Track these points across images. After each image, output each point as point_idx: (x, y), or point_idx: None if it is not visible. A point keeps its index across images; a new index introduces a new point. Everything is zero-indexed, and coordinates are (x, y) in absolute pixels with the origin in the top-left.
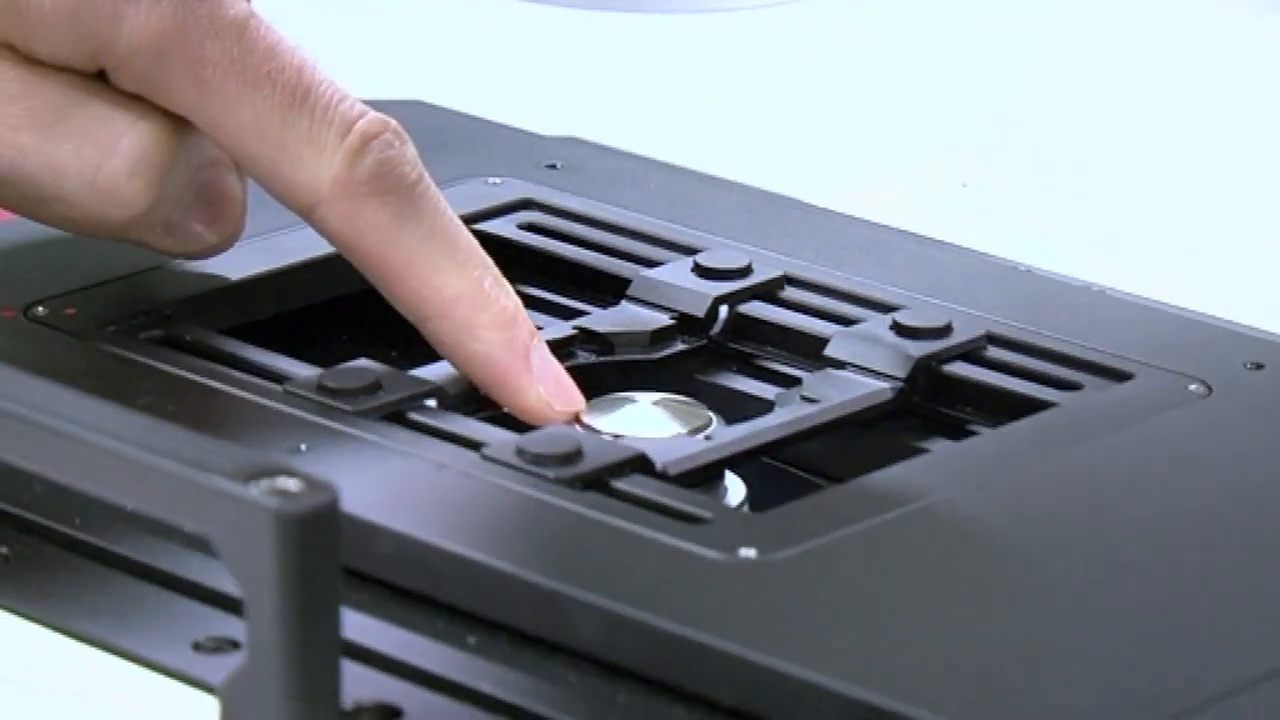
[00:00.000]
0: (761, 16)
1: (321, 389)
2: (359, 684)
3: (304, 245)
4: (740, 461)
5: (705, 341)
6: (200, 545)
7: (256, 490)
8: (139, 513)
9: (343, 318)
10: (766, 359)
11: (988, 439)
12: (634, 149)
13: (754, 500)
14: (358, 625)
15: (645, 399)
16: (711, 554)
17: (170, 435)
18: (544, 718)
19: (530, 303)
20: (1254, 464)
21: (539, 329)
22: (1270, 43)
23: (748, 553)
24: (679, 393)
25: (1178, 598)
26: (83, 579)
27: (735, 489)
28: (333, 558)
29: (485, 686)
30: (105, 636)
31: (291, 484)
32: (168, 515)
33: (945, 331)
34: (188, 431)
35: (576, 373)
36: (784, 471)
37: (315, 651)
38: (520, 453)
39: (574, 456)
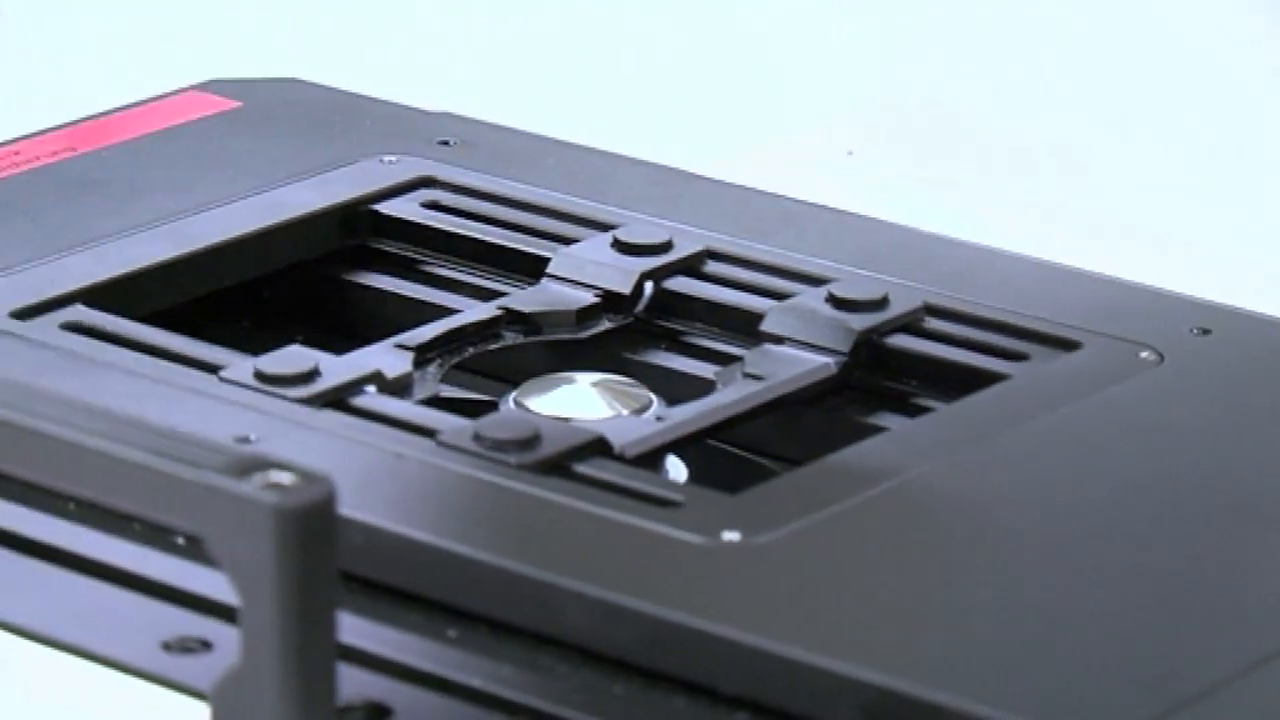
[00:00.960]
0: None
1: (259, 376)
2: (346, 682)
3: (212, 229)
4: (694, 441)
5: (631, 319)
6: (167, 545)
7: (251, 485)
8: (128, 513)
9: (251, 300)
10: (697, 336)
11: (947, 413)
12: (507, 115)
13: (696, 479)
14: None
15: (584, 379)
16: (694, 538)
17: (153, 431)
18: (539, 711)
19: (446, 284)
20: (1216, 429)
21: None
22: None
23: (731, 536)
24: (610, 371)
25: (1170, 573)
26: (47, 582)
27: (677, 469)
28: (331, 553)
29: (476, 682)
30: (75, 640)
31: (285, 477)
32: (159, 515)
33: (883, 304)
34: (169, 427)
35: (505, 354)
36: (720, 450)
37: (313, 651)
38: (478, 438)
39: (533, 441)
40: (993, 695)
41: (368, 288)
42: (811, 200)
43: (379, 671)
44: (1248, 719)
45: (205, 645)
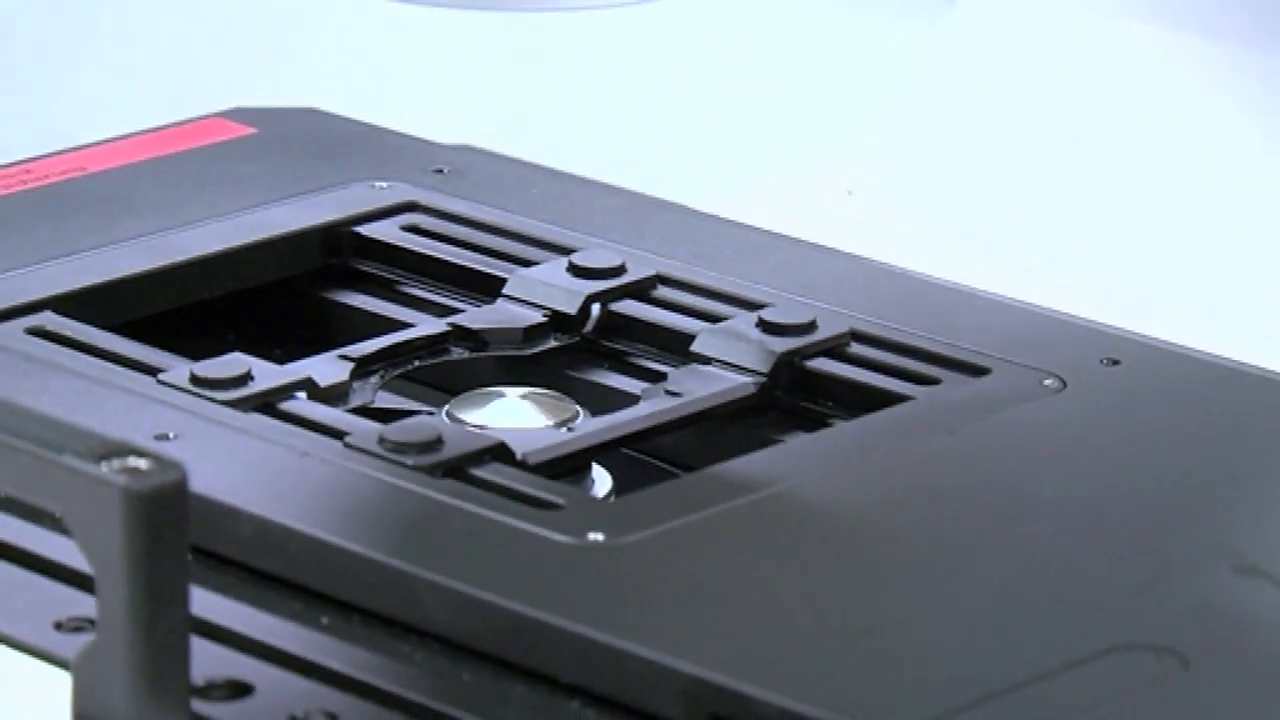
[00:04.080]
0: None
1: (194, 379)
2: (214, 662)
3: (192, 244)
4: (602, 452)
5: (578, 339)
6: (62, 525)
7: (107, 468)
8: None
9: (230, 316)
10: (637, 356)
11: (841, 430)
12: (531, 151)
13: (621, 493)
14: (216, 606)
15: (513, 393)
16: (561, 538)
17: (27, 417)
18: (388, 693)
19: (411, 302)
20: (1104, 455)
21: (412, 325)
22: (1125, 49)
23: (595, 536)
24: (550, 388)
25: (1012, 583)
26: None
27: (602, 481)
28: (181, 534)
29: (334, 664)
30: None
31: (141, 463)
32: (22, 493)
33: (809, 328)
34: (44, 414)
35: (450, 368)
36: (650, 465)
37: (163, 626)
38: (382, 441)
39: (434, 445)
40: (802, 689)
41: (345, 305)
42: (806, 238)
43: (249, 653)
44: (1045, 713)
45: (94, 624)
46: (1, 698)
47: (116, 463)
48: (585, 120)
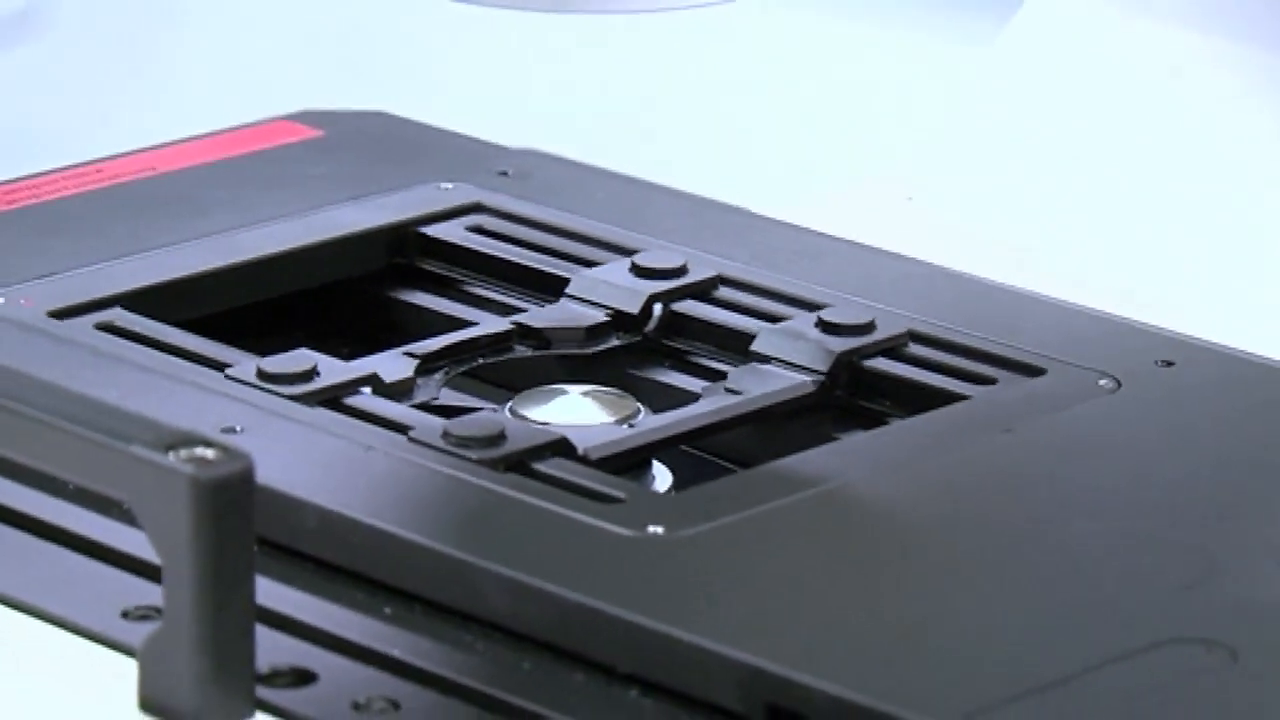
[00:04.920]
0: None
1: (261, 375)
2: (279, 650)
3: (260, 243)
4: (662, 449)
5: (640, 338)
6: (130, 516)
7: (174, 458)
8: (68, 480)
9: (297, 314)
10: (698, 355)
11: (897, 428)
12: (597, 155)
13: (680, 489)
14: (281, 596)
15: (575, 390)
16: (621, 531)
17: (95, 408)
18: (450, 681)
19: (475, 301)
20: (1156, 454)
21: (475, 324)
22: (1184, 58)
23: (655, 529)
24: (612, 386)
25: (1062, 578)
26: (20, 550)
27: (663, 477)
28: (247, 522)
29: (396, 653)
30: (39, 604)
31: (209, 453)
32: (90, 483)
33: (868, 328)
34: (112, 405)
35: (513, 366)
36: (709, 462)
37: (229, 614)
38: (446, 435)
39: (497, 439)
40: (855, 680)
41: (410, 304)
42: (867, 242)
43: (313, 642)
44: (1094, 704)
45: (160, 613)
46: (70, 685)
47: (184, 452)
48: (650, 125)
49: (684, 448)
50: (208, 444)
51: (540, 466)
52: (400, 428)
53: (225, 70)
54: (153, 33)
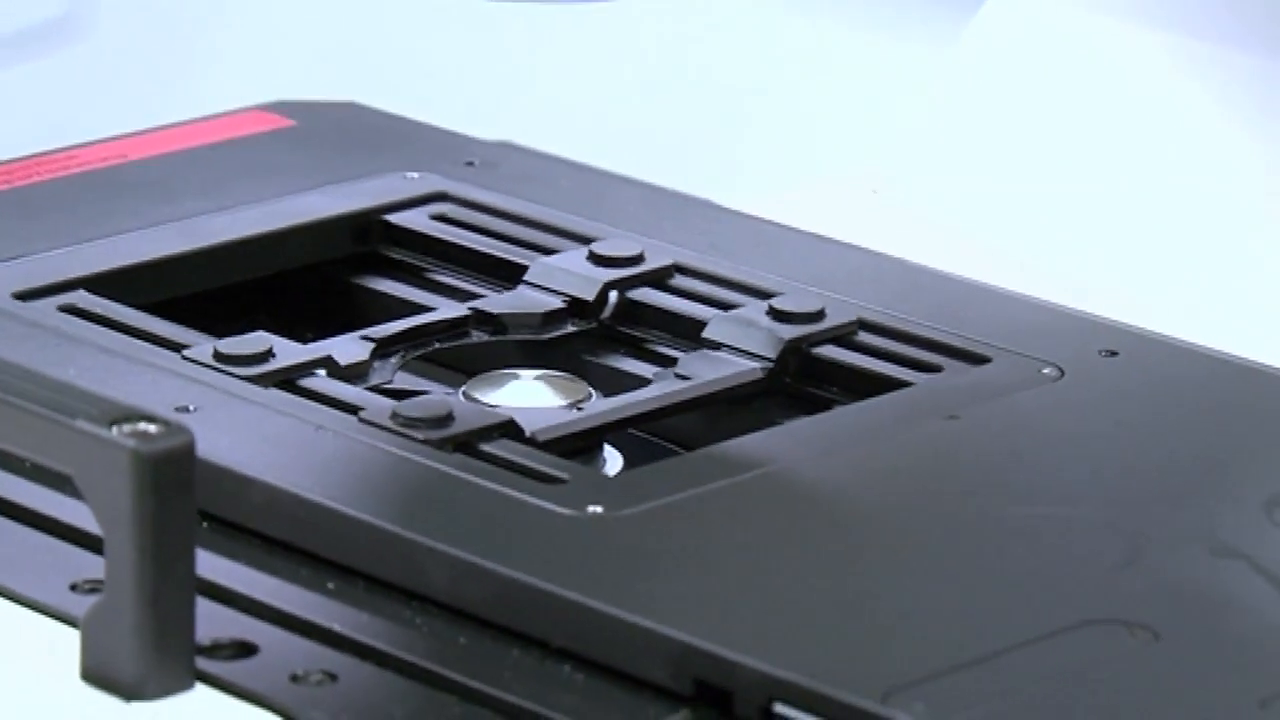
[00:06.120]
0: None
1: (217, 356)
2: (222, 623)
3: (226, 228)
4: (608, 432)
5: (595, 325)
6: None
7: (117, 432)
8: (10, 454)
9: (262, 299)
10: (652, 342)
11: (839, 414)
12: (576, 148)
13: (628, 469)
14: (227, 571)
15: (528, 375)
16: (562, 510)
17: (43, 383)
18: (387, 654)
19: (436, 287)
20: (1094, 441)
21: (432, 309)
22: (1138, 55)
23: (595, 509)
24: (566, 372)
25: (993, 559)
26: None
27: (614, 461)
28: (188, 497)
29: (337, 626)
30: None
31: (151, 428)
32: (36, 455)
33: (818, 316)
34: (59, 381)
35: (469, 351)
36: (660, 446)
37: (169, 586)
38: (395, 416)
39: (444, 420)
40: (781, 656)
41: (373, 290)
42: (832, 235)
43: (256, 616)
44: (1015, 680)
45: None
46: (18, 657)
47: (127, 427)
48: (626, 118)
49: (635, 432)
50: (151, 419)
51: (487, 447)
52: (351, 409)
53: (259, 66)
54: (189, 32)
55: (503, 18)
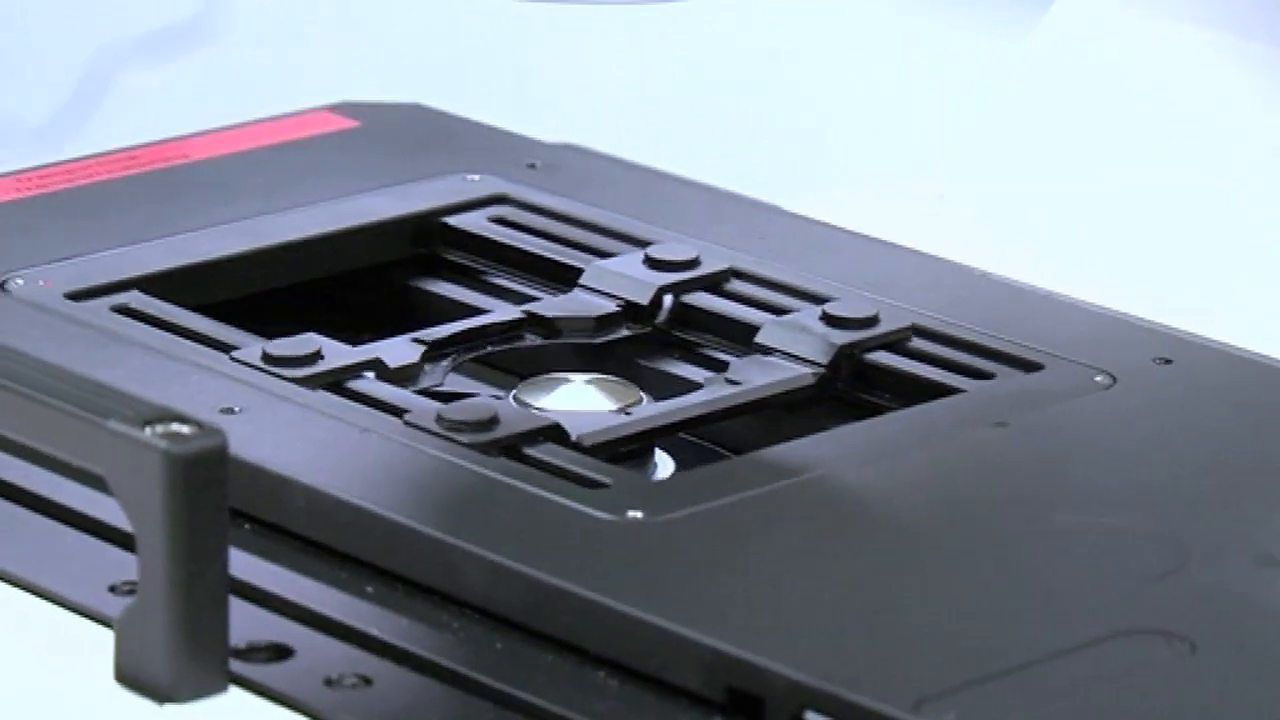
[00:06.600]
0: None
1: (265, 357)
2: (260, 626)
3: (283, 229)
4: (655, 437)
5: (649, 329)
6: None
7: (150, 433)
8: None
9: (319, 300)
10: (705, 346)
11: (888, 419)
12: (640, 149)
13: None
14: (268, 573)
15: (579, 379)
16: (601, 515)
17: (76, 383)
18: (422, 658)
19: (493, 290)
20: (1142, 449)
21: (487, 312)
22: (1200, 60)
23: (634, 514)
24: (619, 376)
25: (1035, 568)
26: (15, 524)
27: (665, 466)
28: (220, 498)
29: (373, 630)
30: (30, 577)
31: (184, 429)
32: (69, 456)
33: (871, 322)
34: (94, 381)
35: (522, 354)
36: (713, 451)
37: (202, 588)
38: (440, 419)
39: (489, 424)
40: (815, 663)
41: (430, 292)
42: (898, 240)
43: (294, 619)
44: (1048, 689)
45: None
46: (57, 658)
47: (160, 428)
48: (691, 119)
49: (688, 437)
50: (184, 420)
51: (531, 451)
52: (397, 411)
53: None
54: (319, 32)
55: (573, 20)
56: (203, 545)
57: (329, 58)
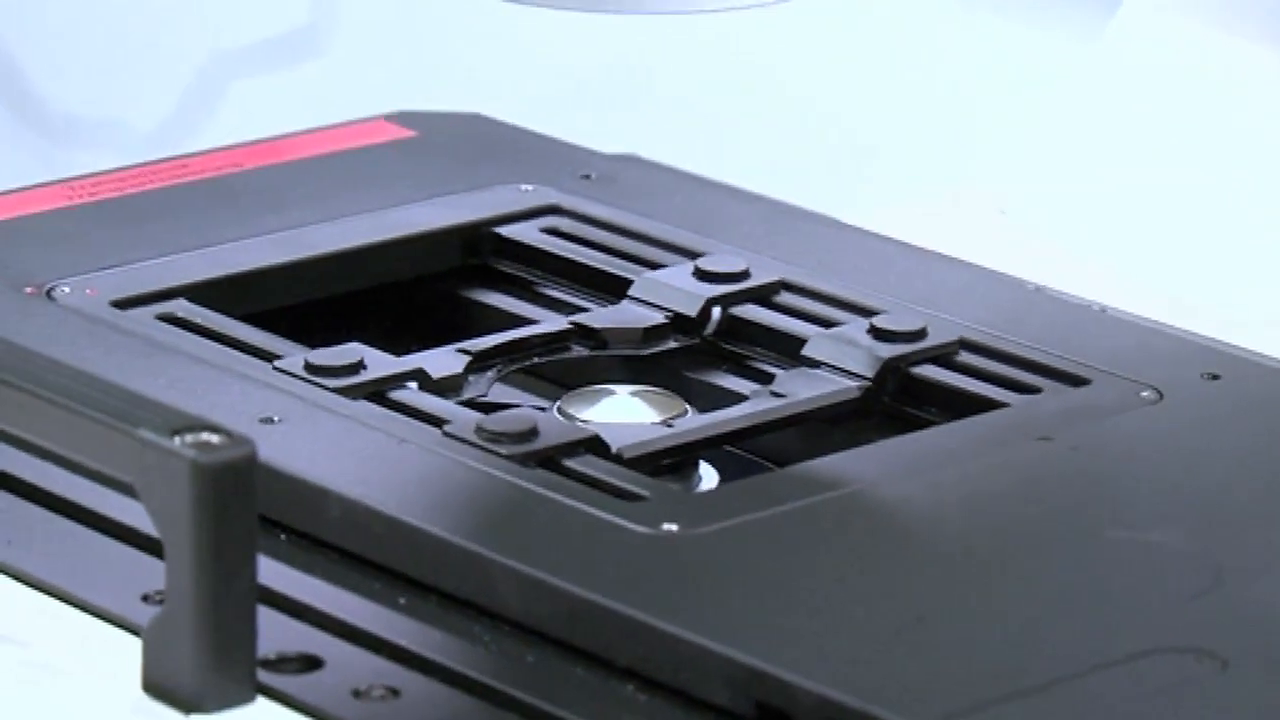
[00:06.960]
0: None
1: (308, 367)
2: (290, 636)
3: (332, 239)
4: (696, 450)
5: (697, 340)
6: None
7: (179, 442)
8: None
9: (368, 310)
10: (753, 359)
11: (932, 433)
12: (701, 159)
13: None
14: (300, 584)
15: (624, 390)
16: (636, 528)
17: (107, 391)
18: (452, 671)
19: (542, 301)
20: (1187, 466)
21: (535, 322)
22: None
23: (669, 527)
24: (666, 388)
25: (1069, 584)
26: (49, 531)
27: (709, 478)
28: (249, 508)
29: (404, 642)
30: (63, 585)
31: (214, 438)
32: (98, 464)
33: (919, 335)
34: (128, 391)
35: (569, 365)
36: (757, 464)
37: (230, 598)
38: (479, 430)
39: (529, 435)
40: (843, 679)
41: (479, 303)
42: (956, 254)
43: (325, 630)
44: (1074, 708)
45: None
46: (87, 666)
47: (189, 437)
48: (751, 129)
49: (734, 450)
50: (214, 430)
51: (570, 463)
52: (438, 422)
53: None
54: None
55: (637, 30)
56: (231, 555)
57: (434, 66)
